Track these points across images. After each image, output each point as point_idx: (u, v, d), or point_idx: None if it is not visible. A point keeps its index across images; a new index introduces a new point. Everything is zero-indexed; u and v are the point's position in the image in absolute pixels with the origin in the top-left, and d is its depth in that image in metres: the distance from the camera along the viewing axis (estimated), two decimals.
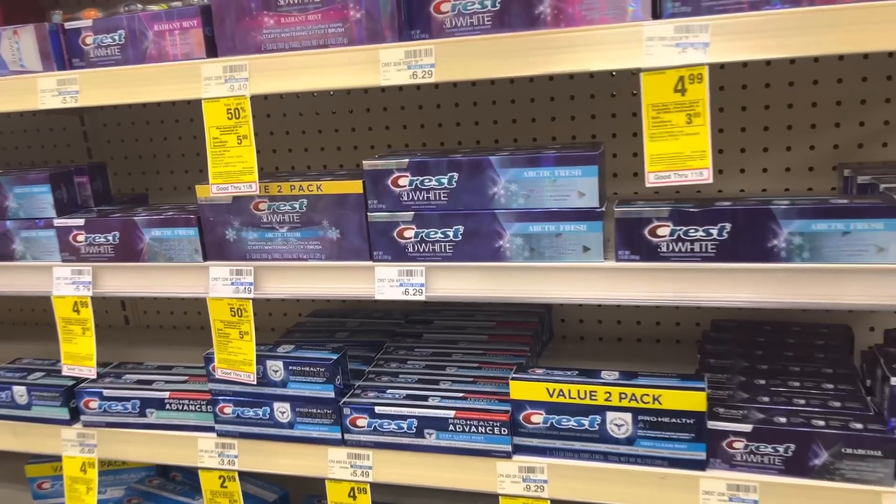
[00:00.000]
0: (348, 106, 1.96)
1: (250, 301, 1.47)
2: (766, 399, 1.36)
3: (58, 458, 2.08)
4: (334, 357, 1.51)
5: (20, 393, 1.74)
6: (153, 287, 1.54)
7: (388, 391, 1.54)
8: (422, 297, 1.36)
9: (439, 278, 1.36)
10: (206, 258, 1.51)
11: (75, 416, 1.73)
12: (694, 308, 1.89)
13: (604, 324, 1.97)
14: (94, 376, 1.62)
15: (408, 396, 1.51)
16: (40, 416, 1.74)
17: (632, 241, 1.25)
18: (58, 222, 1.59)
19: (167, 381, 1.70)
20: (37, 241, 1.62)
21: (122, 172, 2.21)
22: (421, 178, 1.34)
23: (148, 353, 2.07)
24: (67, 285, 1.59)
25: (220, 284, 1.48)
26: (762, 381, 1.44)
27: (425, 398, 1.50)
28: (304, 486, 2.04)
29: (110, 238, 1.55)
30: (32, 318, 2.53)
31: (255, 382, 1.51)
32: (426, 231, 1.35)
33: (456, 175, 1.32)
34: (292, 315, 2.19)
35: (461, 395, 1.50)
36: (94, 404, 1.68)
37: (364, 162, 1.37)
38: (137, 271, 1.55)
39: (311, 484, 2.02)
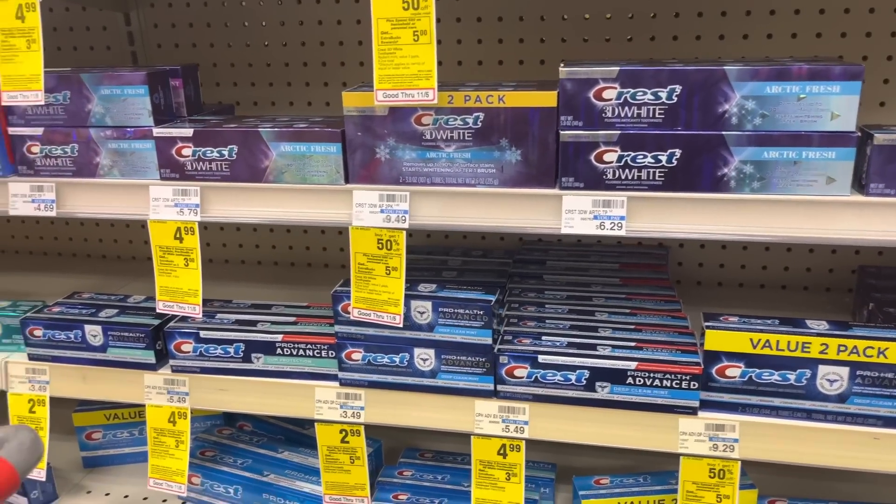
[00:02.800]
0: None
1: (403, 232, 1.26)
2: None
3: (113, 406, 1.85)
4: (492, 298, 1.32)
5: (93, 333, 1.49)
6: (279, 213, 1.31)
7: (544, 338, 1.36)
8: (621, 233, 1.17)
9: (644, 211, 1.17)
10: (347, 180, 1.28)
11: (161, 359, 1.50)
12: (829, 251, 1.76)
13: (725, 268, 1.83)
14: (200, 315, 1.39)
15: (571, 345, 1.34)
16: (118, 360, 1.50)
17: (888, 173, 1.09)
18: (158, 132, 1.32)
19: (273, 323, 1.48)
20: (129, 154, 1.35)
21: None
22: (632, 91, 1.14)
23: (218, 289, 1.84)
24: (168, 208, 1.34)
25: (366, 211, 1.26)
26: None
27: (593, 346, 1.33)
28: (402, 437, 1.87)
29: (225, 153, 1.30)
30: (66, 248, 2.24)
31: (401, 325, 1.31)
32: (632, 154, 1.16)
33: (678, 88, 1.12)
34: None
35: (632, 343, 1.33)
36: (188, 347, 1.46)
37: (561, 69, 1.16)
38: (260, 194, 1.31)
39: (410, 435, 1.86)
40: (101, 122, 1.36)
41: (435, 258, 1.77)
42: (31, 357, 1.55)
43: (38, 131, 1.38)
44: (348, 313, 1.36)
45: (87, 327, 1.50)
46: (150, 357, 1.49)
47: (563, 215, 1.19)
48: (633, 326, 1.40)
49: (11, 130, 1.40)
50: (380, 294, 1.30)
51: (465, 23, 1.74)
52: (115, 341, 1.49)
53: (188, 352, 1.46)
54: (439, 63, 1.50)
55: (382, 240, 1.27)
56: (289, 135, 1.27)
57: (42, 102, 1.31)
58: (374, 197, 1.26)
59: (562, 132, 1.18)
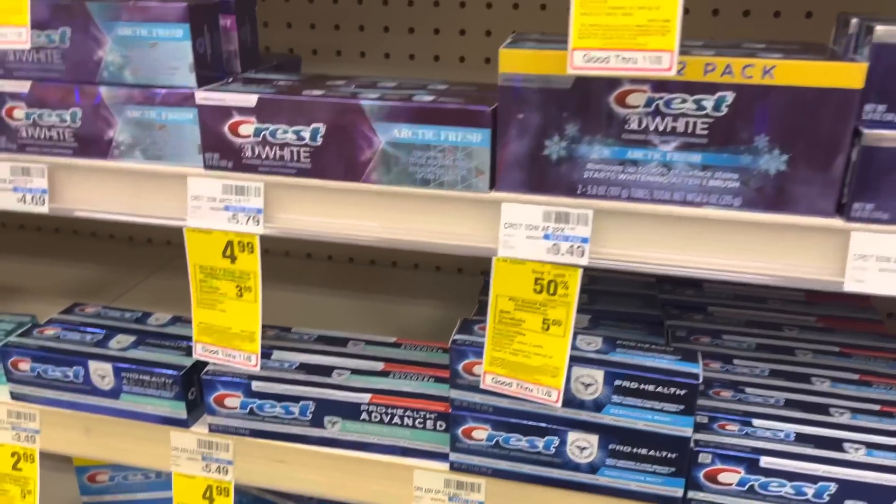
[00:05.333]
0: None
1: (578, 272, 0.82)
2: None
3: None
4: (697, 370, 0.88)
5: (101, 372, 1.07)
6: (382, 231, 0.86)
7: (756, 423, 0.94)
8: None
9: None
10: (494, 185, 0.84)
11: (194, 411, 1.08)
12: None
13: None
14: (257, 368, 0.96)
15: (799, 438, 0.91)
16: (135, 410, 1.08)
17: None
18: (203, 97, 0.87)
19: (354, 372, 1.05)
20: (157, 127, 0.90)
21: None
22: None
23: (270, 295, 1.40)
24: (216, 211, 0.90)
25: (520, 235, 0.82)
26: None
27: (837, 445, 0.90)
28: None
29: (307, 135, 0.85)
30: (65, 224, 1.81)
31: (559, 404, 0.88)
32: None
33: None
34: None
35: (890, 442, 0.90)
36: (234, 402, 1.03)
37: (878, 29, 0.71)
38: (357, 199, 0.86)
39: None
40: (116, 77, 0.91)
41: None
42: (15, 396, 1.13)
43: (23, 87, 0.93)
44: (473, 376, 0.93)
45: (93, 364, 1.07)
46: (180, 410, 1.06)
47: (849, 263, 0.75)
48: (877, 408, 0.97)
49: None
50: (529, 357, 0.87)
51: None
52: (132, 386, 1.06)
53: (234, 407, 1.04)
54: None
55: (543, 280, 0.83)
56: (408, 113, 0.82)
57: (28, 45, 0.86)
58: (535, 214, 0.81)
59: (865, 132, 0.72)
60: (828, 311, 1.21)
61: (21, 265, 1.61)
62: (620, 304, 1.19)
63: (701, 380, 0.87)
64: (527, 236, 0.82)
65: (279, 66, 1.10)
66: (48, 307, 1.32)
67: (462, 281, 1.57)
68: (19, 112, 0.94)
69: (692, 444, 0.90)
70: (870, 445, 0.90)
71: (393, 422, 1.00)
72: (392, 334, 1.15)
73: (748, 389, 1.01)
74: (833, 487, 0.87)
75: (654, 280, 1.30)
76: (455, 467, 0.99)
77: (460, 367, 0.94)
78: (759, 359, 1.08)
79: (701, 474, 0.91)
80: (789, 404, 0.98)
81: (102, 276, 1.56)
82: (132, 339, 1.12)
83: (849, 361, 1.08)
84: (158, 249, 1.71)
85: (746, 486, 0.89)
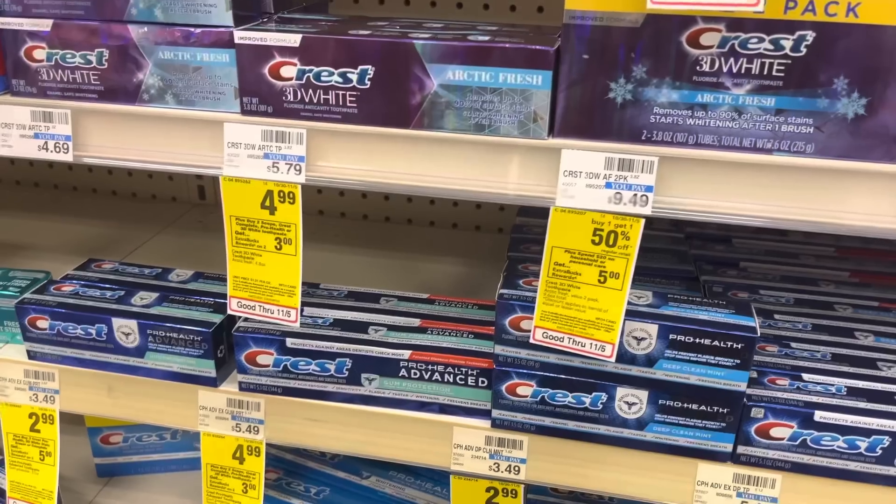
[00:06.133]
0: None
1: (641, 222, 0.79)
2: None
3: None
4: (754, 324, 0.86)
5: (125, 329, 1.03)
6: (433, 179, 0.82)
7: (806, 377, 0.92)
8: None
9: None
10: (552, 132, 0.80)
11: (222, 369, 1.05)
12: None
13: None
14: (297, 324, 0.92)
15: (851, 392, 0.90)
16: (160, 369, 1.04)
17: None
18: (243, 36, 0.82)
19: (390, 328, 1.01)
20: (192, 69, 0.85)
21: None
22: None
23: None
24: (254, 159, 0.85)
25: (581, 184, 0.79)
26: None
27: (889, 398, 0.89)
28: None
29: (354, 77, 0.80)
30: (84, 182, 1.74)
31: (613, 359, 0.85)
32: None
33: None
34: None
35: None
36: (267, 359, 1.00)
37: None
38: (407, 146, 0.82)
39: None
40: (147, 15, 0.85)
41: None
42: (32, 355, 1.08)
43: (45, 25, 0.87)
44: (520, 331, 0.90)
45: (117, 322, 1.03)
46: (208, 368, 1.03)
47: None
48: None
49: (1, 22, 0.88)
50: (584, 311, 0.84)
51: None
52: (159, 343, 1.02)
53: (266, 365, 1.00)
54: None
55: (603, 231, 0.80)
56: (465, 53, 0.78)
57: None
58: (597, 161, 0.78)
59: None
60: (861, 266, 1.20)
61: (27, 222, 1.55)
62: (653, 261, 1.17)
63: (759, 333, 0.85)
64: (587, 185, 0.79)
65: (308, 8, 1.04)
66: (57, 264, 1.27)
67: (480, 238, 1.54)
68: (40, 53, 0.88)
69: (748, 402, 0.88)
70: None
71: (433, 378, 0.97)
72: (416, 291, 1.12)
73: (793, 344, 1.00)
74: (886, 441, 0.86)
75: (683, 236, 1.27)
76: (497, 424, 0.97)
77: (506, 321, 0.91)
78: (799, 314, 1.07)
79: (752, 429, 0.89)
80: (836, 358, 0.97)
81: (110, 233, 1.50)
82: (155, 295, 1.08)
83: (890, 316, 1.07)
84: (164, 206, 1.66)
85: (798, 441, 0.88)
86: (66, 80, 0.88)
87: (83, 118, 0.89)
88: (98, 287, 1.10)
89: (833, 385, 0.91)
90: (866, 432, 0.86)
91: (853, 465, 0.88)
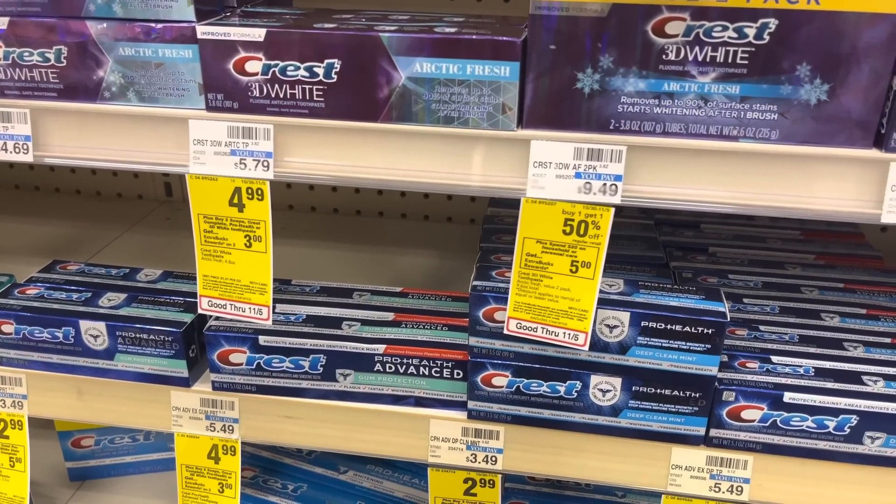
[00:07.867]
0: None
1: (610, 211, 0.79)
2: None
3: None
4: (723, 309, 0.87)
5: (93, 332, 1.01)
6: (404, 173, 0.82)
7: (775, 360, 0.94)
8: None
9: None
10: (521, 123, 0.80)
11: (194, 368, 1.03)
12: None
13: None
14: (269, 322, 0.91)
15: (819, 372, 0.92)
16: (131, 370, 1.03)
17: None
18: (206, 31, 0.81)
19: (364, 323, 1.01)
20: (154, 66, 0.83)
21: None
22: None
23: None
24: (221, 156, 0.84)
25: (550, 175, 0.79)
26: None
27: (856, 377, 0.91)
28: None
29: (320, 70, 0.80)
30: (46, 181, 1.70)
31: (586, 347, 0.86)
32: None
33: None
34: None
35: None
36: (239, 357, 0.99)
37: None
38: (376, 140, 0.81)
39: None
40: (106, 11, 0.83)
41: None
42: None
43: (1, 23, 0.85)
44: (494, 322, 0.90)
45: (85, 324, 1.01)
46: (180, 368, 1.01)
47: (887, 195, 0.74)
48: (888, 341, 0.99)
49: None
50: (556, 301, 0.85)
51: None
52: (128, 345, 1.01)
53: (239, 363, 0.99)
54: None
55: (573, 221, 0.81)
56: (432, 45, 0.77)
57: None
58: (566, 152, 0.78)
59: None
60: (826, 249, 1.22)
61: None
62: (624, 248, 1.18)
63: (728, 318, 0.86)
64: (557, 175, 0.79)
65: (272, 1, 1.03)
66: (20, 267, 1.24)
67: (451, 230, 1.54)
68: None
69: (720, 385, 0.90)
70: (887, 377, 0.91)
71: (409, 372, 0.97)
72: (389, 284, 1.11)
73: (762, 327, 1.01)
74: (854, 420, 0.88)
75: (653, 222, 1.29)
76: (473, 415, 0.97)
77: (480, 313, 0.91)
78: (767, 297, 1.09)
79: (724, 412, 0.91)
80: (804, 340, 0.98)
81: (74, 234, 1.47)
82: (123, 296, 1.06)
83: (854, 297, 1.09)
84: (130, 205, 1.63)
85: (769, 422, 0.90)
86: (24, 78, 0.86)
87: (43, 117, 0.87)
88: (64, 289, 1.08)
89: (801, 366, 0.93)
90: (834, 412, 0.88)
91: (822, 445, 0.90)
